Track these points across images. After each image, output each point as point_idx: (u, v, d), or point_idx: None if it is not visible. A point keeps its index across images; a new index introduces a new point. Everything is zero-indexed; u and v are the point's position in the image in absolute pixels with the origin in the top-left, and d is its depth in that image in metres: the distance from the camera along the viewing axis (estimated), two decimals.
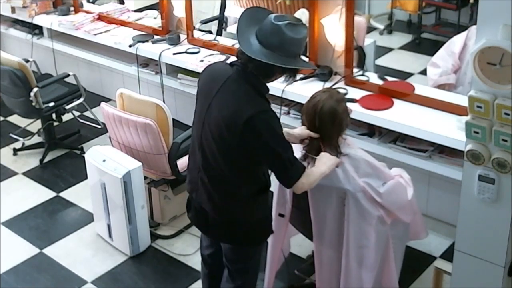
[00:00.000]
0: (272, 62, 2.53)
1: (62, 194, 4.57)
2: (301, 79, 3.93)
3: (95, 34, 5.06)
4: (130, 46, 4.78)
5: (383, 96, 3.78)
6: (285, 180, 2.70)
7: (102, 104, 3.99)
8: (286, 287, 3.54)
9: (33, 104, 4.70)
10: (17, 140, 5.14)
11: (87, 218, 4.26)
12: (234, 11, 5.06)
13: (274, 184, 3.18)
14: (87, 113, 5.38)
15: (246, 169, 2.69)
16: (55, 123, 5.05)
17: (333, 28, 3.90)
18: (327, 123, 2.87)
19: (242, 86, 2.60)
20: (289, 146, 2.66)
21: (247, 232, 2.82)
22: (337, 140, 2.93)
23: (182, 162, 3.97)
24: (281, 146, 2.61)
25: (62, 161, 4.99)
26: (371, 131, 3.78)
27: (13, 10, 5.63)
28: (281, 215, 3.15)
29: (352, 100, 3.72)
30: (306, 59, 2.62)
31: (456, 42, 3.81)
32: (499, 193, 2.51)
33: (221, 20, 4.94)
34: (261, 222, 2.85)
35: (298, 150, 2.93)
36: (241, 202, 2.75)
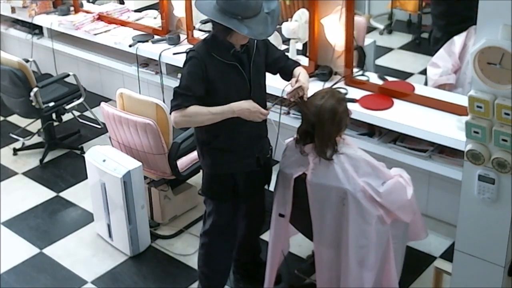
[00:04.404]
0: (201, 10, 2.83)
1: (62, 194, 4.57)
2: None
3: (95, 34, 5.06)
4: (130, 46, 4.79)
5: (383, 96, 3.78)
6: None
7: (102, 104, 3.99)
8: (286, 287, 3.55)
9: (33, 104, 4.70)
10: (17, 140, 5.14)
11: (87, 218, 4.26)
12: None
13: (275, 184, 3.19)
14: (87, 113, 5.38)
15: None
16: (55, 123, 5.05)
17: (333, 28, 3.90)
18: (327, 121, 2.88)
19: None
20: (183, 83, 2.92)
21: (204, 182, 3.20)
22: (335, 139, 2.94)
23: (182, 162, 3.97)
24: (180, 79, 2.97)
25: (62, 161, 4.99)
26: (371, 131, 3.78)
27: (13, 10, 5.63)
28: (281, 215, 3.15)
29: (352, 100, 3.72)
30: (245, 28, 2.79)
31: (456, 42, 3.81)
32: (499, 193, 2.51)
33: None
34: (208, 176, 3.15)
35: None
36: (200, 152, 3.15)
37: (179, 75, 4.55)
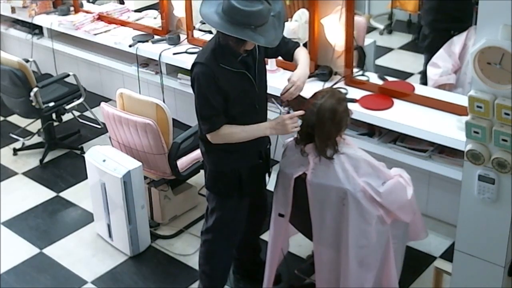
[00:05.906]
0: (210, 23, 2.77)
1: (62, 194, 4.57)
2: None
3: (95, 34, 5.06)
4: (130, 46, 4.79)
5: (383, 96, 3.78)
6: (199, 128, 3.01)
7: (102, 104, 3.99)
8: (286, 287, 3.54)
9: (33, 104, 4.70)
10: (17, 140, 5.14)
11: (87, 218, 4.26)
12: None
13: (275, 184, 3.19)
14: (87, 113, 5.38)
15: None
16: (55, 123, 5.05)
17: (333, 28, 3.90)
18: (327, 121, 2.88)
19: (212, 39, 2.93)
20: (206, 103, 2.87)
21: (208, 178, 3.19)
22: (336, 139, 2.94)
23: (182, 162, 3.97)
24: (199, 99, 2.91)
25: (62, 161, 4.99)
26: (371, 131, 3.78)
27: (13, 10, 5.63)
28: (281, 215, 3.15)
29: (352, 100, 3.72)
30: (261, 38, 2.74)
31: (456, 42, 3.81)
32: (499, 193, 2.51)
33: None
34: (213, 173, 3.14)
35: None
36: (204, 150, 3.13)
37: (179, 75, 4.61)
